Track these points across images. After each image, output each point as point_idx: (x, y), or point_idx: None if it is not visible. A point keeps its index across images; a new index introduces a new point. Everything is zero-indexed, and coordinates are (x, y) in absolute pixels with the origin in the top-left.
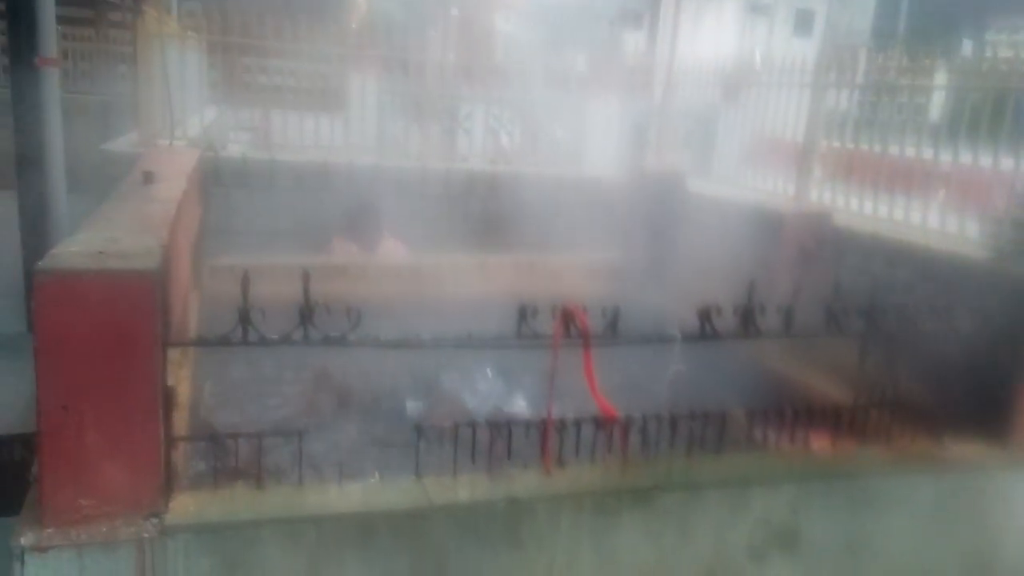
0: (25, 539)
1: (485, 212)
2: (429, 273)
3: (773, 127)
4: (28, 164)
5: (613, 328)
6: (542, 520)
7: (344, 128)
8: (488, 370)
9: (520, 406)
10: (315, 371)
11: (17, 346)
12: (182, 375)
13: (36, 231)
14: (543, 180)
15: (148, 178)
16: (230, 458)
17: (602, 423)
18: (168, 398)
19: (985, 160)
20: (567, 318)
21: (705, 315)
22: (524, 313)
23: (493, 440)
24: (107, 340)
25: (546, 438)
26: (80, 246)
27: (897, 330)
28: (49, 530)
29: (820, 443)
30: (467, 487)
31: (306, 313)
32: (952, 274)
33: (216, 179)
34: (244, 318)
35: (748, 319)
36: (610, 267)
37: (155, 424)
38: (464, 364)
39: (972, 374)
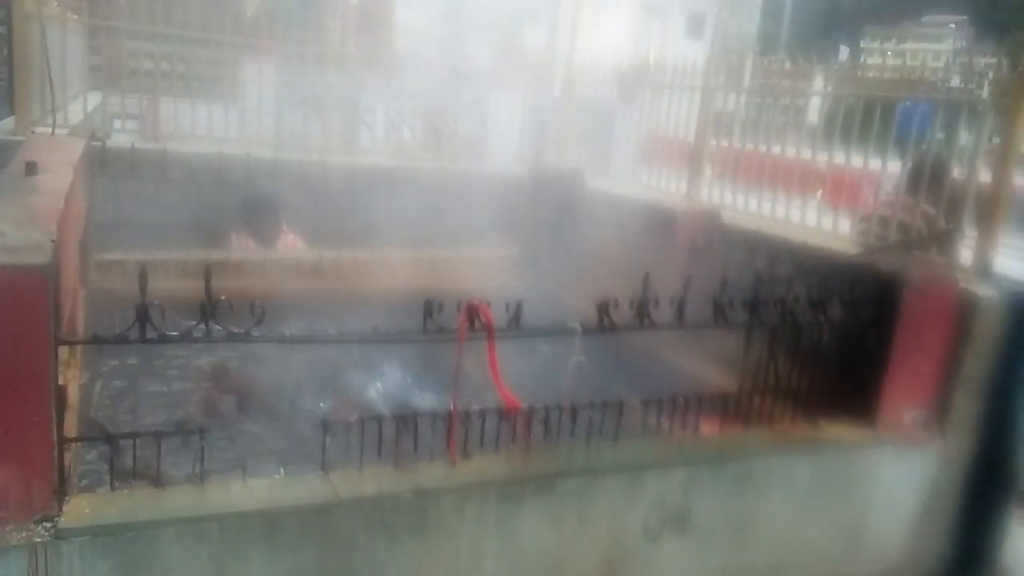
0: None
1: (386, 207)
2: (330, 268)
3: (666, 127)
4: None
5: (516, 322)
6: (448, 510)
7: (239, 118)
8: (393, 365)
9: (425, 400)
10: (215, 370)
11: None
12: (71, 375)
13: None
14: (445, 176)
15: (31, 169)
16: (127, 459)
17: (506, 414)
18: (60, 398)
19: (857, 161)
20: (472, 313)
21: (603, 308)
22: (430, 308)
23: (399, 434)
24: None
25: (451, 430)
26: None
27: (777, 321)
28: None
29: (709, 428)
30: (373, 480)
31: (207, 309)
32: (826, 268)
33: (103, 169)
34: (142, 315)
35: (643, 312)
36: (511, 262)
37: (47, 425)
38: (369, 360)
39: (843, 361)
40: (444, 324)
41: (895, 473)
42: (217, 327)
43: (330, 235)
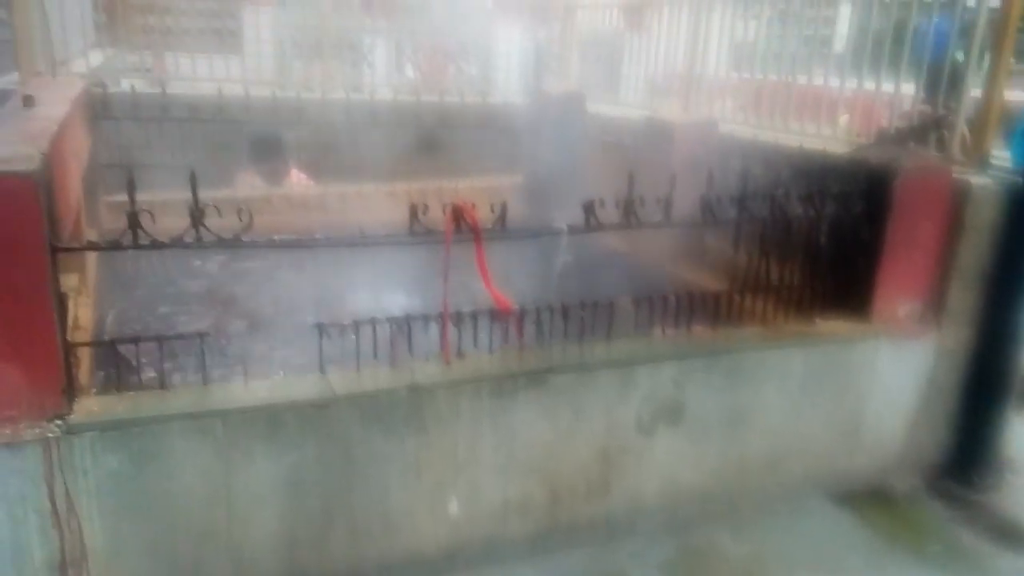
0: None
1: (391, 142)
2: (335, 203)
3: (677, 56)
4: None
5: (502, 222)
6: (443, 405)
7: (242, 65)
8: (384, 274)
9: (416, 304)
10: (210, 284)
11: None
12: (82, 301)
13: None
14: (448, 108)
15: (28, 102)
16: (131, 364)
17: (497, 315)
18: (62, 304)
19: (871, 85)
20: (457, 215)
21: (589, 208)
22: (415, 211)
23: (394, 336)
24: None
25: (444, 330)
26: None
27: (767, 216)
28: None
29: (701, 327)
30: (370, 378)
31: (196, 215)
32: (820, 167)
33: (105, 112)
34: (133, 221)
35: (629, 210)
36: (515, 188)
37: (51, 328)
38: (360, 268)
39: (836, 255)
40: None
41: (891, 366)
42: (208, 233)
43: (334, 171)
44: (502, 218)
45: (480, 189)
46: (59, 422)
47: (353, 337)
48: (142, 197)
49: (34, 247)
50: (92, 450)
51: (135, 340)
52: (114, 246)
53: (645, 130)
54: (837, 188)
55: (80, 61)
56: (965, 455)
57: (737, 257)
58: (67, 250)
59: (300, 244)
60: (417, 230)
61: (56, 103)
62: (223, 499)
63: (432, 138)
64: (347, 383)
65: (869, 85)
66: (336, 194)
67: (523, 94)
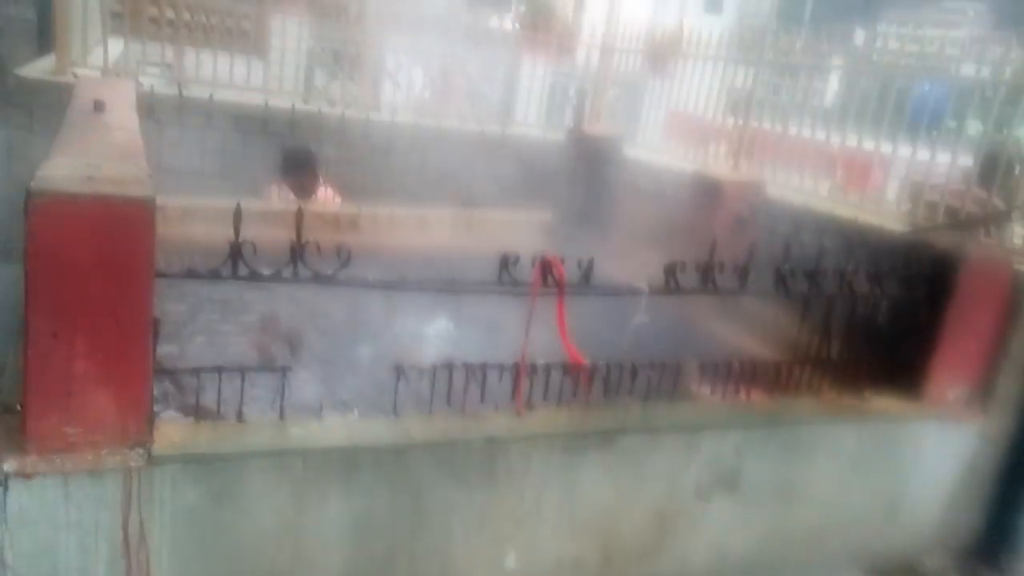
0: (8, 465)
1: (417, 165)
2: (367, 224)
3: (698, 101)
4: None
5: (587, 279)
6: (515, 458)
7: (266, 72)
8: (445, 317)
9: (484, 347)
10: (264, 316)
11: None
12: None
13: None
14: (477, 136)
15: (99, 107)
16: (207, 393)
17: (570, 369)
18: (156, 330)
19: (870, 144)
20: (545, 268)
21: (671, 270)
22: (505, 262)
23: (467, 382)
24: (102, 268)
25: (519, 381)
26: (66, 170)
27: (835, 292)
28: (33, 457)
29: (760, 395)
30: (446, 426)
31: (297, 250)
32: (877, 245)
33: (150, 114)
34: (235, 252)
35: (708, 276)
36: (545, 225)
37: (144, 355)
38: (429, 307)
39: (894, 335)
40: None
41: (936, 447)
42: (305, 269)
43: (362, 191)
44: (587, 275)
45: (507, 222)
46: (141, 450)
47: (425, 379)
48: (179, 203)
49: (142, 273)
50: (172, 482)
51: (218, 370)
52: (214, 275)
53: (689, 182)
54: (900, 269)
55: (97, 51)
56: (995, 539)
57: (797, 327)
58: (168, 276)
59: (396, 287)
60: (506, 280)
61: (122, 107)
62: (291, 539)
63: (462, 165)
64: (424, 429)
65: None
66: (368, 215)
67: (555, 128)
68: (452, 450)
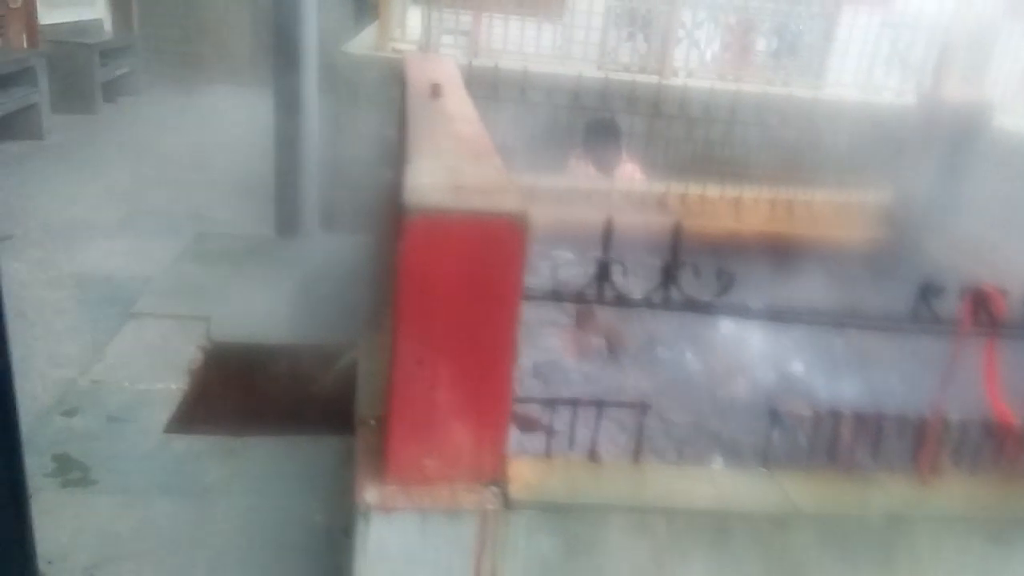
0: (370, 496)
1: (728, 138)
2: (674, 204)
3: None
4: (284, 62)
5: None
6: (922, 542)
7: (563, 36)
8: (844, 351)
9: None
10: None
11: (267, 251)
12: None
13: (287, 131)
14: (801, 102)
15: (436, 91)
16: (561, 426)
17: (995, 430)
18: (517, 355)
19: None
20: (979, 302)
21: None
22: (926, 293)
23: (856, 436)
24: (471, 290)
25: (928, 441)
26: (430, 177)
27: None
28: (391, 487)
29: None
30: (834, 492)
31: (672, 272)
32: None
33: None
34: (604, 272)
35: None
36: (879, 208)
37: (506, 384)
38: (810, 343)
39: None
40: (941, 312)
41: None
42: (678, 293)
43: (663, 166)
44: None
45: (836, 204)
46: (495, 489)
47: (804, 427)
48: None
49: (511, 295)
50: (528, 528)
51: (573, 403)
52: (579, 300)
53: None
54: None
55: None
56: None
57: None
58: (534, 299)
59: (778, 317)
60: (923, 316)
61: (454, 91)
62: None
63: (788, 138)
64: (805, 494)
65: None
66: (676, 195)
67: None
68: (843, 524)
